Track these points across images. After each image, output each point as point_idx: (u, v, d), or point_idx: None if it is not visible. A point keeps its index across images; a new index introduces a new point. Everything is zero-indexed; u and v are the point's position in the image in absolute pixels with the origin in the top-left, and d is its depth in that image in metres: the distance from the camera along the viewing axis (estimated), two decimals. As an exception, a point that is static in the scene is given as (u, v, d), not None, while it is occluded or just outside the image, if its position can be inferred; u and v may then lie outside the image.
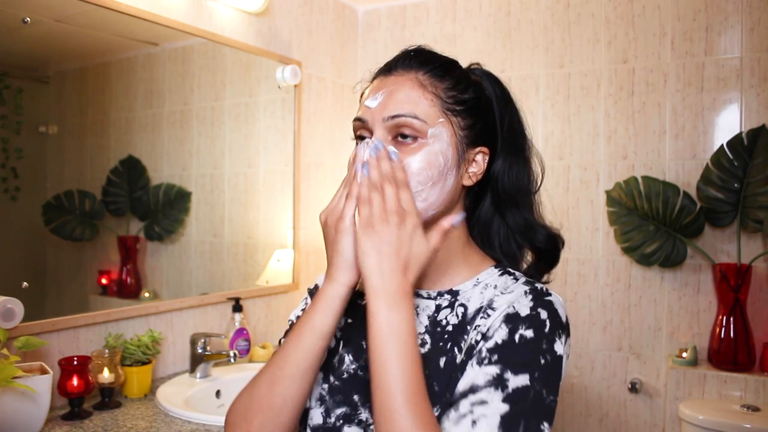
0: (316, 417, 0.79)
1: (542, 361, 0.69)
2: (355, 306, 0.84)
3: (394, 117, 0.74)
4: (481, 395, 0.67)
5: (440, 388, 0.72)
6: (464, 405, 0.67)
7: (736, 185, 1.96)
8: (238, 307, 1.94)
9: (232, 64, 2.05)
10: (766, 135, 1.92)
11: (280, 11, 2.21)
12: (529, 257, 0.86)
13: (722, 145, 1.97)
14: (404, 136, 0.74)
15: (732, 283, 1.95)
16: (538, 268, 0.85)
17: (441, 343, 0.76)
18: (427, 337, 0.78)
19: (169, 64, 1.86)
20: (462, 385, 0.69)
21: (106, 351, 1.51)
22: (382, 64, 0.80)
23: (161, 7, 1.74)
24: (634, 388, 2.13)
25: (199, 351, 1.72)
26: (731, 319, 1.95)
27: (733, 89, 2.03)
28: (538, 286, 0.76)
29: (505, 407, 0.65)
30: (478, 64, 0.85)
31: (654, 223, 2.09)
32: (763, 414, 1.79)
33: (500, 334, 0.71)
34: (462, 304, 0.78)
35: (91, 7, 1.55)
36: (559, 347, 0.71)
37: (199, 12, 1.88)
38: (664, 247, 2.07)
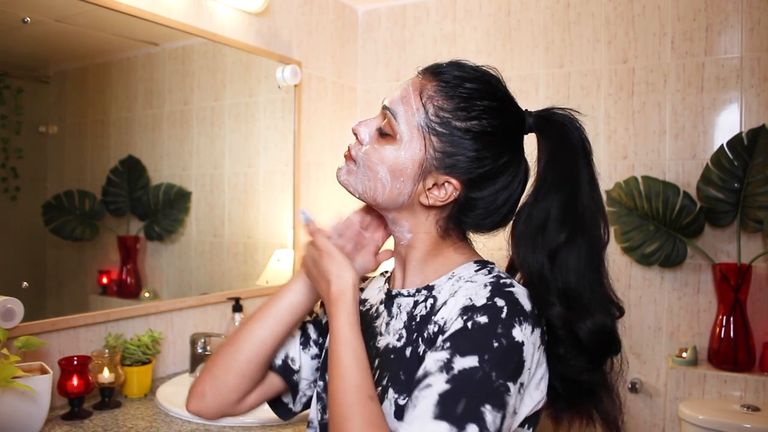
0: (313, 413, 0.86)
1: (495, 345, 0.66)
2: None
3: (384, 107, 0.79)
4: (428, 380, 0.65)
5: (406, 377, 0.73)
6: (415, 393, 0.66)
7: (736, 185, 1.96)
8: (238, 307, 1.94)
9: (232, 64, 2.05)
10: (766, 135, 1.92)
11: (280, 11, 2.21)
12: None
13: (722, 145, 1.97)
14: (383, 133, 0.78)
15: (732, 283, 1.95)
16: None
17: (413, 335, 0.77)
18: (403, 332, 0.78)
19: (169, 64, 1.86)
20: (418, 374, 0.68)
21: (106, 351, 1.52)
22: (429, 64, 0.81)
23: (161, 7, 1.74)
24: (634, 388, 2.13)
25: (199, 351, 1.72)
26: (731, 319, 1.95)
27: (733, 89, 2.03)
28: (502, 280, 0.73)
29: (446, 386, 0.63)
30: (567, 109, 0.80)
31: (654, 223, 2.09)
32: (763, 414, 1.79)
33: (456, 325, 0.69)
34: (434, 296, 0.78)
35: (91, 7, 1.55)
36: (518, 333, 0.67)
37: (199, 12, 1.88)
38: (664, 247, 2.07)
